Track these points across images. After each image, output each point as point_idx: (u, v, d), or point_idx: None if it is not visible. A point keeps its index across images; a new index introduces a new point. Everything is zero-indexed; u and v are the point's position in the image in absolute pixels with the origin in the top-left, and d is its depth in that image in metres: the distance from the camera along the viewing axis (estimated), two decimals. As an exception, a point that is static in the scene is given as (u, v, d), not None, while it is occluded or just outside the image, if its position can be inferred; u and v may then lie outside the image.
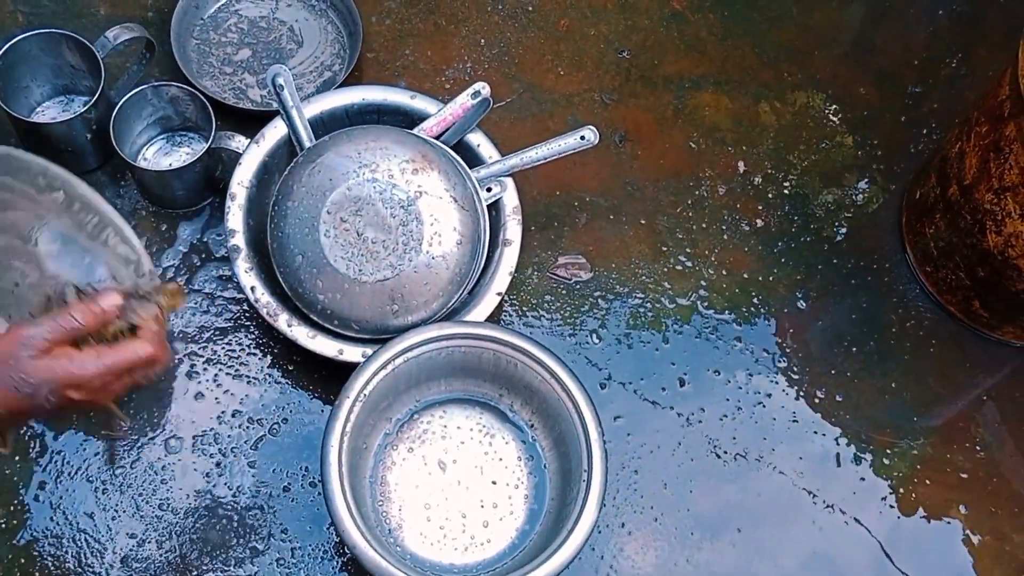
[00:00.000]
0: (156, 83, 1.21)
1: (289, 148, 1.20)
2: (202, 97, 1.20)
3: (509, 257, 1.17)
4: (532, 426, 1.15)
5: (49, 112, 1.27)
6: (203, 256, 1.23)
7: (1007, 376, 1.28)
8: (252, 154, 1.18)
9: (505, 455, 1.15)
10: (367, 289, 1.10)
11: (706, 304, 1.27)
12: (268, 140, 1.19)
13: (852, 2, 1.49)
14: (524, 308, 1.25)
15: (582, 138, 1.19)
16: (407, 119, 1.22)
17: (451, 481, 1.13)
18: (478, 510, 1.12)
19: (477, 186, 1.17)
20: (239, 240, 1.14)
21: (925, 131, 1.41)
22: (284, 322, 1.11)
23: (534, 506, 1.13)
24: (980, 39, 1.46)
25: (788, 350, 1.26)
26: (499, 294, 1.15)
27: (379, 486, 1.12)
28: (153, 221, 1.24)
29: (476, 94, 1.20)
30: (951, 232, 1.23)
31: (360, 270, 1.10)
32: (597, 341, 1.24)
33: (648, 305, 1.27)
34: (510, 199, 1.19)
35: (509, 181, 1.19)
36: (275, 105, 1.17)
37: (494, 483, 1.13)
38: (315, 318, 1.12)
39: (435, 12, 1.41)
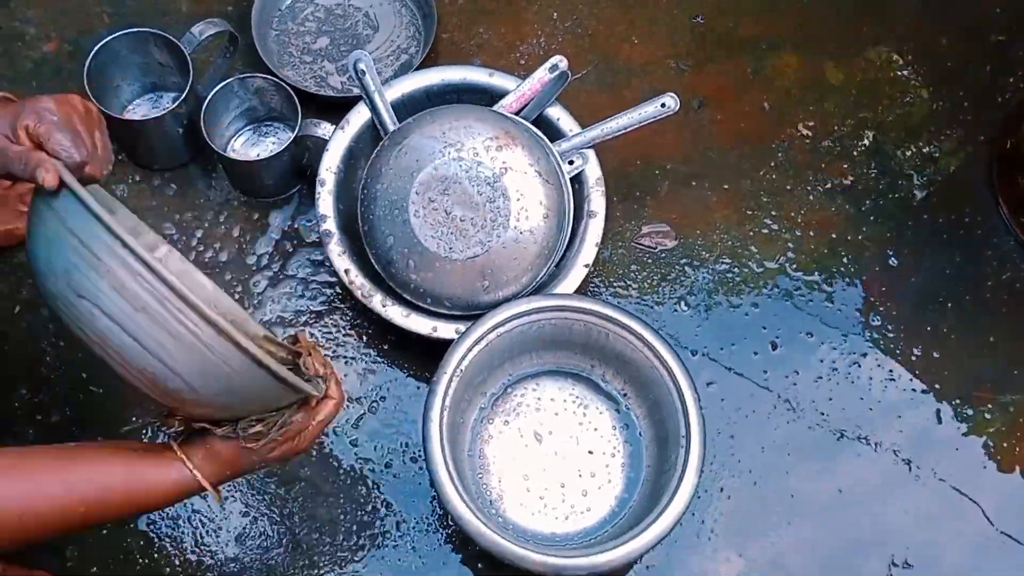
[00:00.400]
0: (241, 75, 1.24)
1: (373, 132, 1.22)
2: (286, 87, 1.23)
3: (594, 229, 1.17)
4: (625, 395, 1.16)
5: (140, 110, 1.30)
6: (295, 242, 1.26)
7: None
8: (338, 140, 1.20)
9: (600, 425, 1.16)
10: (458, 267, 1.12)
11: (794, 266, 1.26)
12: (352, 125, 1.21)
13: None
14: (611, 279, 1.26)
15: (663, 105, 1.19)
16: (486, 97, 1.22)
17: (548, 452, 1.14)
18: (576, 479, 1.13)
19: (560, 160, 1.17)
20: (331, 224, 1.16)
21: (1012, 80, 1.37)
22: (378, 302, 1.13)
23: (631, 474, 1.14)
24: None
25: (881, 309, 1.24)
26: (586, 266, 1.16)
27: (478, 459, 1.14)
28: (245, 210, 1.27)
29: (554, 68, 1.20)
30: (1046, 181, 1.20)
31: (450, 248, 1.11)
32: (685, 308, 1.24)
33: (735, 270, 1.26)
34: (592, 171, 1.20)
35: (591, 153, 1.20)
36: (357, 91, 1.19)
37: (590, 452, 1.15)
38: (408, 297, 1.15)
39: (506, -11, 1.41)
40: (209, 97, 1.21)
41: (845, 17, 1.40)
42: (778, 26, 1.40)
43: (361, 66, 1.17)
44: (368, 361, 1.21)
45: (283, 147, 1.20)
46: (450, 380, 1.08)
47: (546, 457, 1.14)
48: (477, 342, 1.10)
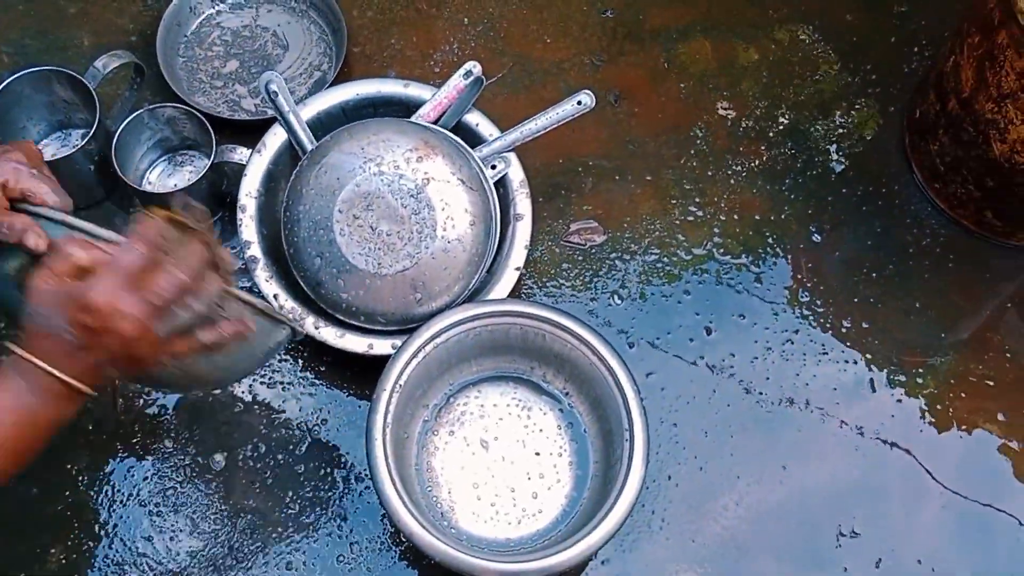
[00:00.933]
0: (151, 106, 1.21)
1: (292, 153, 1.20)
2: (198, 114, 1.21)
3: (523, 231, 1.18)
4: (567, 394, 1.17)
5: (49, 149, 1.27)
6: (221, 271, 1.24)
7: (1028, 281, 1.29)
8: (256, 164, 1.19)
9: (544, 426, 1.16)
10: (388, 281, 1.11)
11: (722, 251, 1.28)
12: (270, 148, 1.20)
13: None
14: (543, 279, 1.26)
15: (579, 103, 1.19)
16: (403, 108, 1.22)
17: (495, 458, 1.14)
18: (525, 482, 1.13)
19: (482, 165, 1.17)
20: (255, 250, 1.15)
21: (916, 49, 1.41)
22: (311, 325, 1.12)
23: (579, 471, 1.14)
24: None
25: (809, 285, 1.26)
26: (517, 269, 1.16)
27: (425, 472, 1.14)
28: (167, 243, 1.25)
29: (468, 74, 1.20)
30: (955, 146, 1.23)
31: (379, 264, 1.11)
32: (619, 302, 1.25)
33: (665, 259, 1.27)
34: (516, 174, 1.20)
35: (512, 156, 1.20)
36: (271, 112, 1.18)
37: (537, 454, 1.15)
38: (341, 317, 1.14)
39: (414, -3, 1.41)
40: (119, 131, 1.18)
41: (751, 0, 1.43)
42: (687, 13, 1.42)
43: (273, 87, 1.16)
44: (306, 384, 1.20)
45: (200, 175, 1.18)
46: (390, 396, 1.07)
47: (494, 463, 1.14)
48: (415, 355, 1.09)
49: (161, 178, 1.27)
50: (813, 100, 1.37)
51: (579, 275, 1.26)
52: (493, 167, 1.19)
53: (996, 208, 1.24)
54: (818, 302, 1.26)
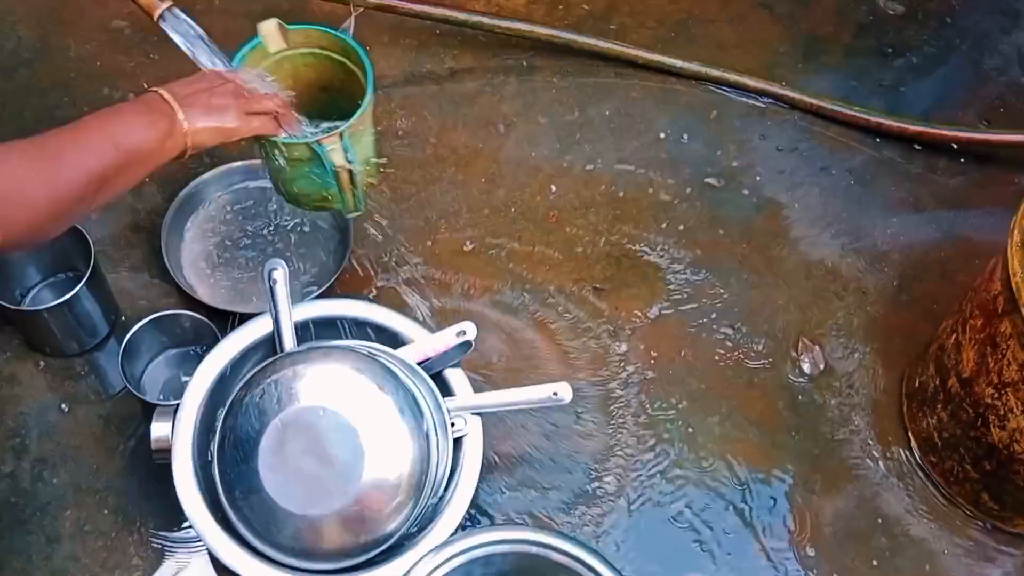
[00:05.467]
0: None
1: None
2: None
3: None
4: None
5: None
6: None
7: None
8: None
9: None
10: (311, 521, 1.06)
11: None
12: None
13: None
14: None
15: (554, 394, 1.15)
16: (390, 337, 1.20)
17: None
18: None
19: (446, 416, 1.14)
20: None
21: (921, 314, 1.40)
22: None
23: None
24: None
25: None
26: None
27: None
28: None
29: (461, 333, 1.17)
30: (954, 424, 1.20)
31: (303, 502, 1.06)
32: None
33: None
34: (473, 442, 1.15)
35: (476, 422, 1.16)
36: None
37: None
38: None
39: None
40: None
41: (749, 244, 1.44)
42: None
43: (276, 275, 1.14)
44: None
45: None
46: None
47: None
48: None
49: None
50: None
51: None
52: (453, 424, 1.15)
53: (993, 491, 1.20)
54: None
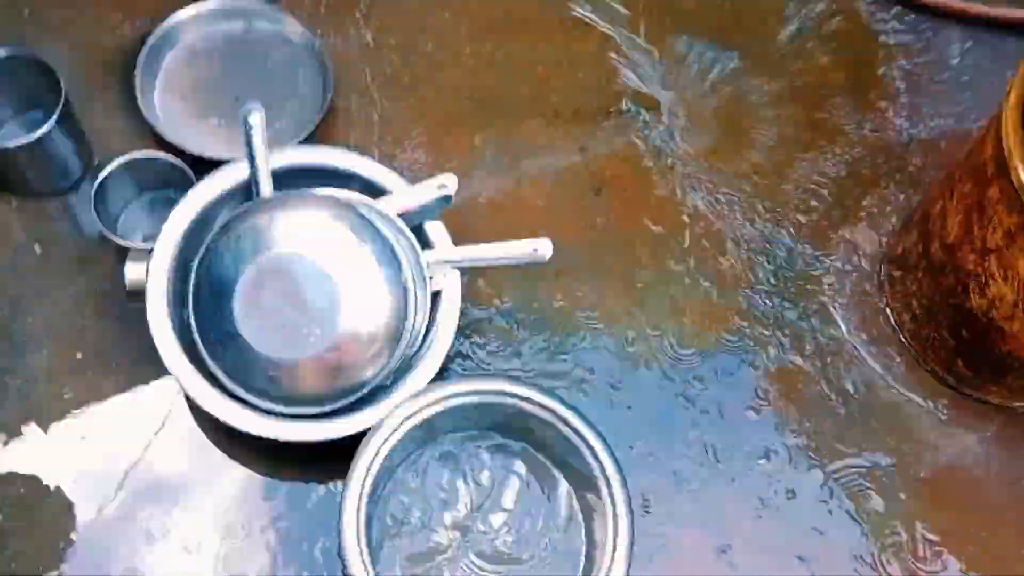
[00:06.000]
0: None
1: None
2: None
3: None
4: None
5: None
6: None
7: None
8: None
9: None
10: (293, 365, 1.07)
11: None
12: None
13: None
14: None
15: (535, 250, 1.13)
16: (368, 187, 1.18)
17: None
18: None
19: (424, 267, 1.13)
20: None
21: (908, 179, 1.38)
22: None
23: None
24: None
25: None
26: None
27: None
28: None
29: (441, 186, 1.14)
30: (934, 291, 1.20)
31: (280, 346, 1.06)
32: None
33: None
34: (451, 295, 1.15)
35: (455, 276, 1.16)
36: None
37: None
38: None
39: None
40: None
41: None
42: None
43: (252, 120, 1.10)
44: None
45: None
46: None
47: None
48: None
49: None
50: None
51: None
52: (431, 277, 1.14)
53: (968, 358, 1.21)
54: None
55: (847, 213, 1.35)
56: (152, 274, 1.10)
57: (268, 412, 1.08)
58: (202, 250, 1.10)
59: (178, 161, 1.21)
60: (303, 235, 1.08)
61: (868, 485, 1.20)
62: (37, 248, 1.23)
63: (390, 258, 1.09)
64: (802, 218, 1.34)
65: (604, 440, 1.09)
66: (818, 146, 1.38)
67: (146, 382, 1.18)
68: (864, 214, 1.35)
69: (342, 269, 1.07)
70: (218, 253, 1.08)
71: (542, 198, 1.32)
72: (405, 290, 1.09)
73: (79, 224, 1.26)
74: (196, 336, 1.09)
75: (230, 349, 1.07)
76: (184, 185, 1.17)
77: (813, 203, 1.35)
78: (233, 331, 1.06)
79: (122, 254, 1.17)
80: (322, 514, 1.13)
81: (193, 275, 1.10)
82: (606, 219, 1.31)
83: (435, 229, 1.18)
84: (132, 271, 1.14)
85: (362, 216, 1.10)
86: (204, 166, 1.19)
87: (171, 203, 1.13)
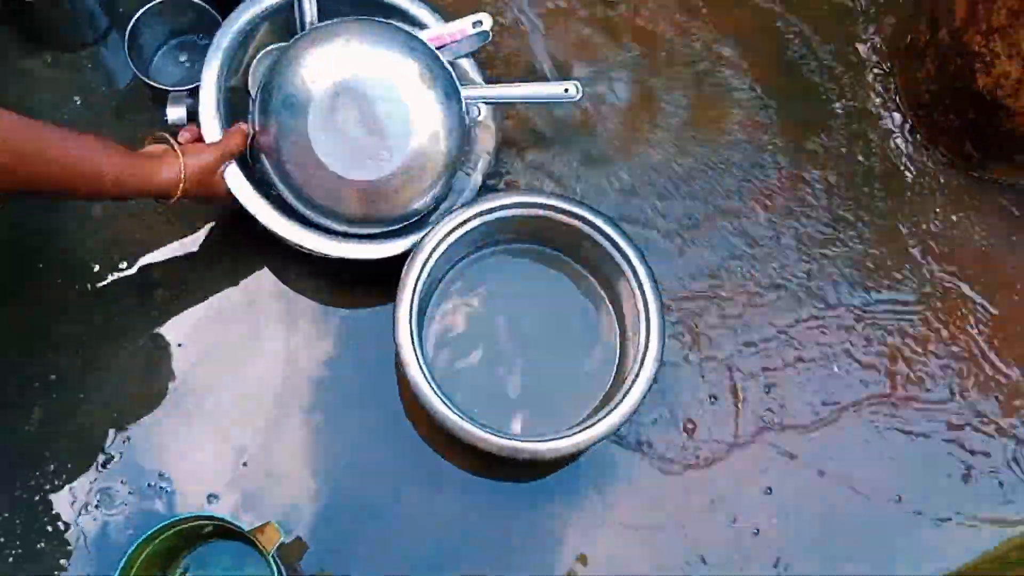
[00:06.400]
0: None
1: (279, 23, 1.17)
2: None
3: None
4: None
5: None
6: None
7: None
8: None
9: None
10: (355, 185, 1.11)
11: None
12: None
13: None
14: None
15: (565, 91, 1.18)
16: (404, 20, 1.20)
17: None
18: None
19: (462, 97, 1.16)
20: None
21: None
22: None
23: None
24: None
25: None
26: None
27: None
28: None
29: (477, 23, 1.17)
30: (942, 76, 1.25)
31: (351, 165, 1.10)
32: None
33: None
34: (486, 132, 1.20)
35: (488, 112, 1.20)
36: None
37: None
38: (305, 210, 1.13)
39: None
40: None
41: None
42: None
43: None
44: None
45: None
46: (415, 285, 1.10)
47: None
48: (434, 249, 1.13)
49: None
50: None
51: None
52: (468, 112, 1.17)
53: (976, 139, 1.27)
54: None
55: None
56: (203, 101, 1.14)
57: (328, 231, 1.13)
58: (271, 65, 1.12)
59: (204, 3, 1.23)
60: (380, 61, 1.10)
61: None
62: (77, 100, 1.27)
63: (455, 90, 1.13)
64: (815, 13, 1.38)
65: (628, 238, 1.14)
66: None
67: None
68: (873, 10, 1.39)
69: (416, 96, 1.10)
70: (291, 69, 1.10)
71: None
72: (463, 120, 1.14)
73: (110, 73, 1.29)
74: (260, 154, 1.12)
75: (300, 166, 1.10)
76: (211, 29, 1.20)
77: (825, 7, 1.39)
78: (306, 147, 1.09)
79: (159, 98, 1.21)
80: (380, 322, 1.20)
81: (260, 92, 1.11)
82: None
83: (468, 66, 1.21)
84: (173, 113, 1.18)
85: (431, 49, 1.13)
86: (230, 6, 1.21)
87: (198, 48, 1.15)
